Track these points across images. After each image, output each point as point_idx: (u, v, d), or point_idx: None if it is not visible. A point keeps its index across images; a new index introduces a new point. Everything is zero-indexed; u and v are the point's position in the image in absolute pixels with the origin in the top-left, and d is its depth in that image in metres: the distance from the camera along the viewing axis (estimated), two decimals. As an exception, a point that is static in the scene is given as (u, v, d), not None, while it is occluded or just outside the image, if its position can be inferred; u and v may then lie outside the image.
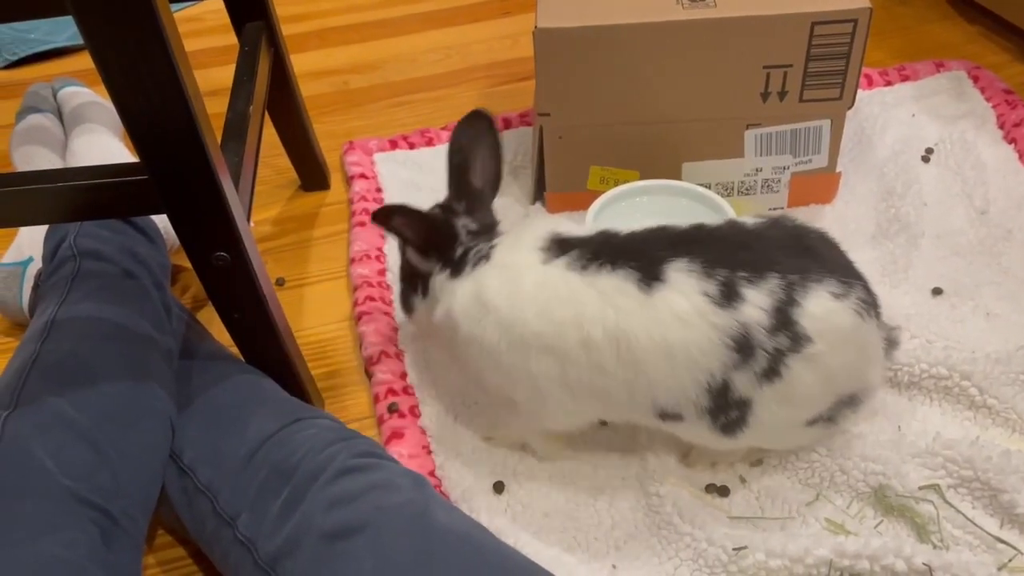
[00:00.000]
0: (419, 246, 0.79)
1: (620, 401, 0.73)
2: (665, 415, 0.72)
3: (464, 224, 0.79)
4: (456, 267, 0.77)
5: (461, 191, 0.80)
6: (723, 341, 0.67)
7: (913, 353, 0.85)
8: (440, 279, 0.78)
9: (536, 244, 0.74)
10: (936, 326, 0.90)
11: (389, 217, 0.75)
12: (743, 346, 0.67)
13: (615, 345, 0.69)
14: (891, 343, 0.79)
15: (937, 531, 0.73)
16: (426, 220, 0.78)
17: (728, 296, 0.67)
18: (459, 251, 0.78)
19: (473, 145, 0.80)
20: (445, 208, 0.81)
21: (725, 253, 0.69)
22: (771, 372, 0.68)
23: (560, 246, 0.73)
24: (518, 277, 0.73)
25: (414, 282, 0.83)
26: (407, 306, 0.86)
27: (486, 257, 0.76)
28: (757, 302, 0.67)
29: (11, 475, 0.63)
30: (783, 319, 0.67)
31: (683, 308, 0.67)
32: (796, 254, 0.70)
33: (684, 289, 0.68)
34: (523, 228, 0.78)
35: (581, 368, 0.71)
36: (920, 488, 0.76)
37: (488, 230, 0.80)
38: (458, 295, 0.76)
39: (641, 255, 0.70)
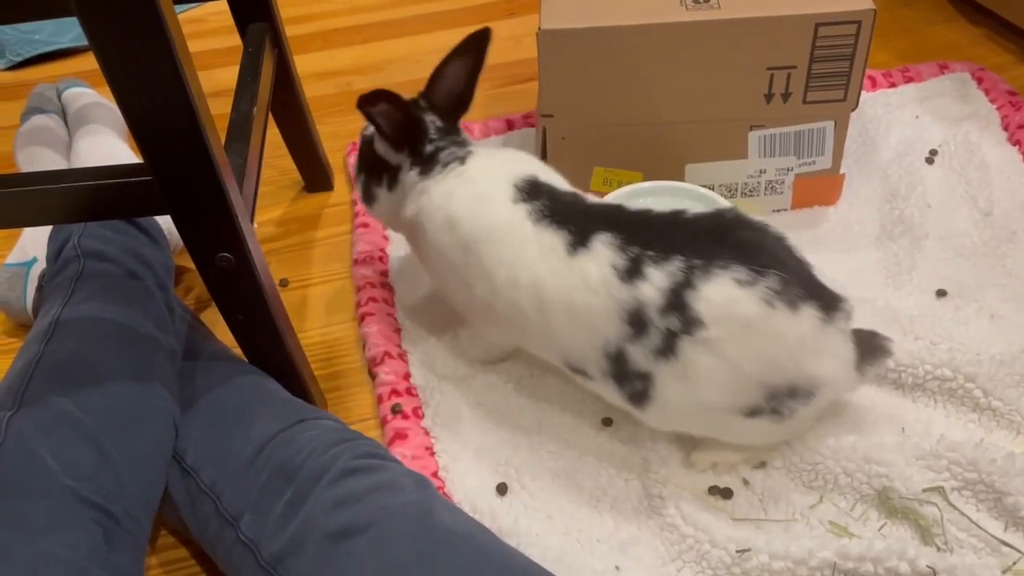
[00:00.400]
0: (392, 138, 0.83)
1: (535, 340, 0.81)
2: (573, 368, 0.79)
3: (432, 120, 0.84)
4: (426, 165, 0.83)
5: (433, 92, 0.85)
6: (618, 313, 0.72)
7: (917, 355, 0.85)
8: (411, 176, 0.84)
9: (515, 181, 0.80)
10: (940, 328, 0.90)
11: (375, 102, 0.79)
12: (635, 321, 0.72)
13: (534, 293, 0.76)
14: (876, 349, 0.77)
15: (941, 534, 0.73)
16: (406, 110, 0.82)
17: (632, 272, 0.72)
18: (429, 148, 0.84)
19: (461, 57, 0.84)
20: (414, 104, 0.85)
21: (648, 234, 0.74)
22: (666, 350, 0.71)
23: (532, 192, 0.79)
24: (487, 206, 0.79)
25: (380, 174, 0.87)
26: (368, 197, 0.90)
27: (461, 162, 0.83)
28: (655, 281, 0.71)
29: (14, 475, 0.63)
30: (676, 301, 0.70)
31: (592, 276, 0.73)
32: (717, 242, 0.71)
33: (599, 259, 0.73)
34: (509, 157, 0.84)
35: (506, 302, 0.78)
36: (924, 490, 0.76)
37: (455, 132, 0.86)
38: (428, 198, 0.82)
39: (584, 223, 0.76)
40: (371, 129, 0.87)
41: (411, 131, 0.83)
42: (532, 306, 0.77)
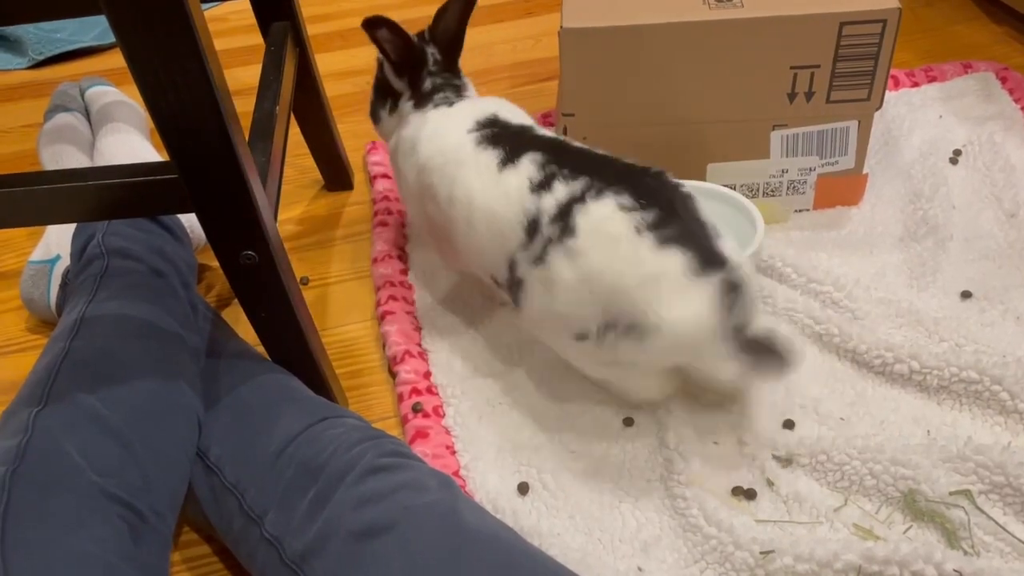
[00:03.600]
0: (394, 63, 0.93)
1: (469, 257, 0.88)
2: (496, 281, 0.85)
3: (432, 52, 0.93)
4: (422, 100, 0.93)
5: (434, 28, 0.94)
6: (521, 222, 0.79)
7: (943, 357, 0.84)
8: (407, 107, 0.94)
9: (477, 116, 0.88)
10: (965, 330, 0.89)
11: (377, 26, 0.88)
12: (531, 230, 0.78)
13: (466, 206, 0.83)
14: (773, 351, 0.73)
15: (968, 537, 0.73)
16: (406, 39, 0.91)
17: (542, 185, 0.79)
18: (427, 84, 0.93)
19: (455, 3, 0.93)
20: (420, 36, 0.94)
21: (573, 160, 0.80)
22: (540, 257, 0.77)
23: (486, 124, 0.87)
24: (443, 134, 0.88)
25: (385, 97, 0.97)
26: (375, 115, 1.00)
27: (449, 104, 0.91)
28: (557, 194, 0.77)
29: (41, 470, 0.64)
30: (565, 211, 0.76)
31: (512, 187, 0.80)
32: (627, 179, 0.77)
33: (520, 173, 0.80)
34: (490, 101, 0.91)
35: (445, 219, 0.87)
36: (951, 493, 0.75)
37: (455, 72, 0.94)
38: (408, 127, 0.92)
39: (519, 145, 0.83)
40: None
41: (411, 59, 0.92)
42: (464, 219, 0.84)
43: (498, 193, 0.81)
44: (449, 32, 0.93)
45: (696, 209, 0.77)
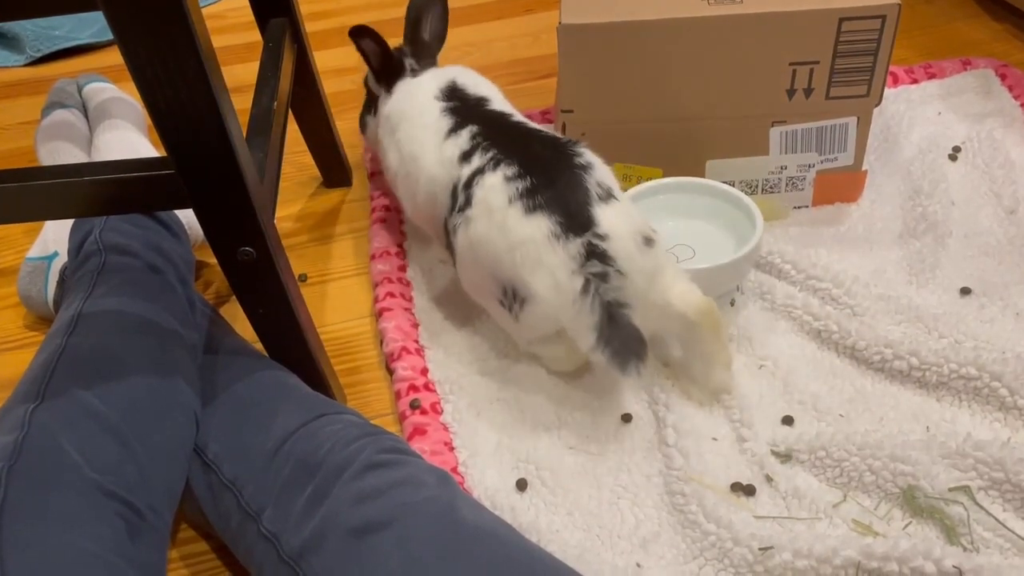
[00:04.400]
0: (376, 70, 1.01)
1: (419, 214, 0.94)
2: (439, 239, 0.92)
3: (410, 63, 1.00)
4: (390, 85, 1.00)
5: (413, 41, 1.01)
6: (448, 188, 0.85)
7: (942, 353, 0.84)
8: (383, 98, 1.01)
9: (441, 84, 0.94)
10: (965, 326, 0.89)
11: (362, 36, 0.96)
12: (453, 195, 0.85)
13: (416, 166, 0.90)
14: (634, 344, 0.75)
15: (967, 533, 0.72)
16: (386, 49, 0.99)
17: (466, 155, 0.85)
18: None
19: (426, 5, 1.01)
20: (399, 50, 1.01)
21: (500, 134, 0.86)
22: (455, 227, 0.84)
23: (449, 93, 0.93)
24: (412, 98, 0.95)
25: (370, 105, 1.06)
26: (362, 125, 1.09)
27: (414, 74, 0.99)
28: (473, 164, 0.83)
29: (39, 467, 0.63)
30: (469, 182, 0.83)
31: (446, 155, 0.87)
32: (524, 148, 0.82)
33: (457, 143, 0.86)
34: (453, 69, 0.98)
35: (404, 174, 0.93)
36: (950, 490, 0.75)
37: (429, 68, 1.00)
38: (385, 106, 0.99)
39: (467, 117, 0.89)
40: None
41: (390, 67, 0.99)
42: (414, 178, 0.91)
43: (438, 158, 0.87)
44: (432, 45, 1.02)
45: (581, 178, 0.79)
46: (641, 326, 0.76)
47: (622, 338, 0.75)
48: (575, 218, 0.77)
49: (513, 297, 0.81)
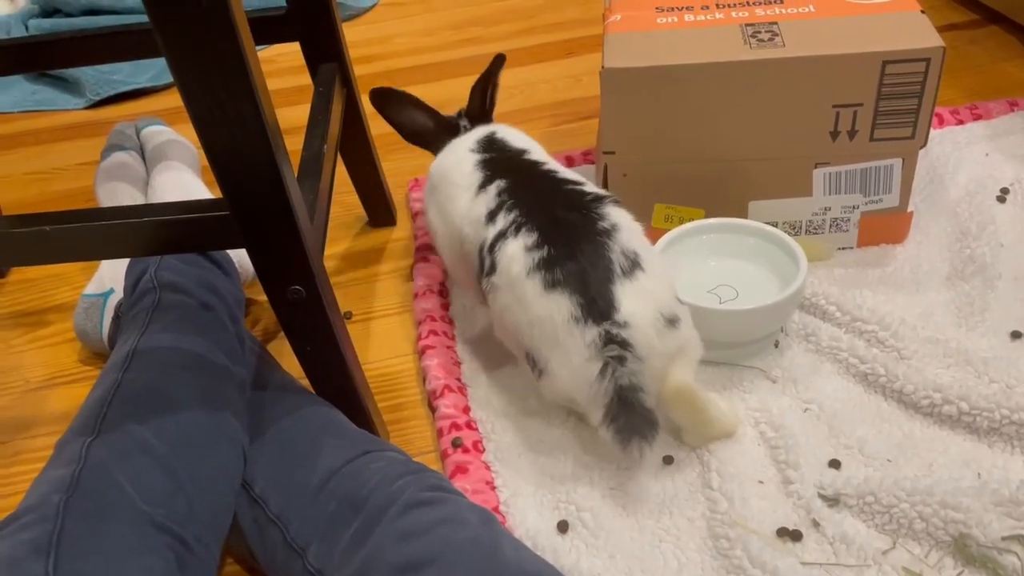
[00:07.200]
0: (405, 136, 1.03)
1: (458, 273, 0.97)
2: (477, 295, 0.92)
3: (463, 124, 1.01)
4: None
5: (472, 106, 1.02)
6: (476, 248, 0.86)
7: (993, 398, 0.83)
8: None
9: (479, 136, 0.96)
10: (1016, 370, 0.87)
11: (404, 106, 1.01)
12: (480, 256, 0.85)
13: (450, 222, 0.92)
14: (641, 425, 0.75)
15: (1022, 585, 0.70)
16: (430, 112, 1.02)
17: (491, 216, 0.85)
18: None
19: (487, 80, 1.01)
20: (458, 113, 1.03)
21: (526, 189, 0.86)
22: (486, 290, 0.85)
23: (486, 146, 0.94)
24: (450, 154, 0.96)
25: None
26: None
27: (465, 131, 1.00)
28: (498, 226, 0.83)
29: (94, 500, 0.65)
30: (492, 246, 0.83)
31: (476, 214, 0.87)
32: (550, 210, 0.82)
33: (485, 201, 0.86)
34: (497, 126, 0.99)
35: (443, 232, 0.95)
36: (1003, 539, 0.73)
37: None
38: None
39: (496, 170, 0.89)
40: None
41: (446, 129, 1.01)
42: (448, 234, 0.92)
43: (468, 215, 0.88)
44: (483, 111, 1.03)
45: (605, 247, 0.78)
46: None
47: (629, 419, 0.75)
48: (595, 302, 0.76)
49: (533, 364, 0.81)
